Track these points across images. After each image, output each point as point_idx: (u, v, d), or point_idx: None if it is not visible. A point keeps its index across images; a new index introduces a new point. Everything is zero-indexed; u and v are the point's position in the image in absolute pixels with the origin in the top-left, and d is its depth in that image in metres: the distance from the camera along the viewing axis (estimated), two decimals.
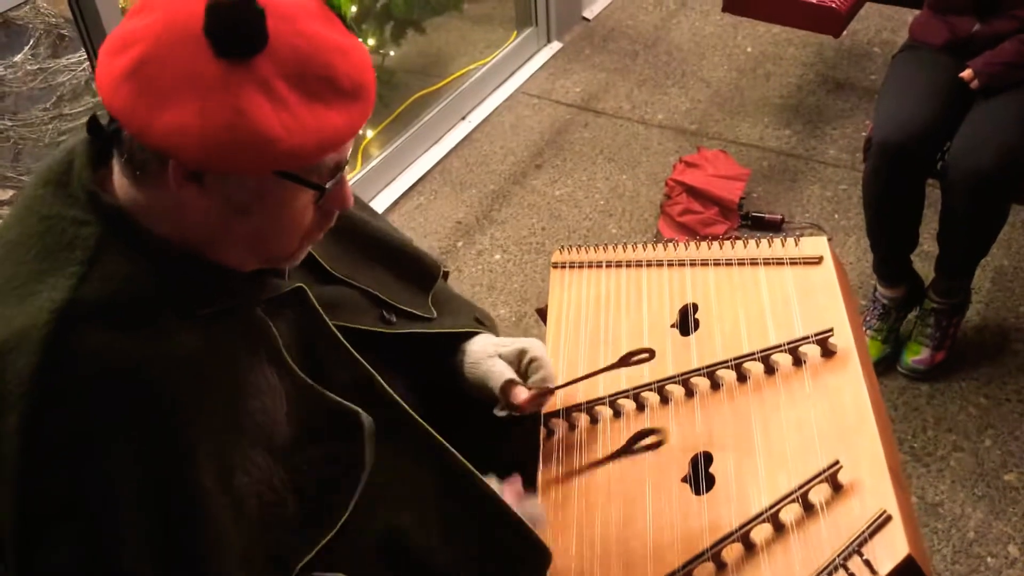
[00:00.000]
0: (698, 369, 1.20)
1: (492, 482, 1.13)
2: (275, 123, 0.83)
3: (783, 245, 1.30)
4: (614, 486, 1.17)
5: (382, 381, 1.07)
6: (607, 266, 1.48)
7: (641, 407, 1.24)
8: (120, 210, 0.92)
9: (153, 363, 0.88)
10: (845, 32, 3.53)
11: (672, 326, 1.31)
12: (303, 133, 0.84)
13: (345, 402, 1.02)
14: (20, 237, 0.94)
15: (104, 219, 0.91)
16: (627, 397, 1.25)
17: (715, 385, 1.19)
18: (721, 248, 1.36)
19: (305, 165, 0.88)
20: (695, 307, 1.32)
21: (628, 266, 1.46)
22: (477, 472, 1.09)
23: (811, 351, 1.14)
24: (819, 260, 1.25)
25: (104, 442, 0.87)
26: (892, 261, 2.28)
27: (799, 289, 1.23)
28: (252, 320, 0.98)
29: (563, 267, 1.54)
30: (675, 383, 1.21)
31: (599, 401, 1.27)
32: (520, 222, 2.86)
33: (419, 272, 1.27)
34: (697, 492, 1.11)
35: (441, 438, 1.08)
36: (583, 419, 1.28)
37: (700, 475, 1.12)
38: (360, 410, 1.03)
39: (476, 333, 1.27)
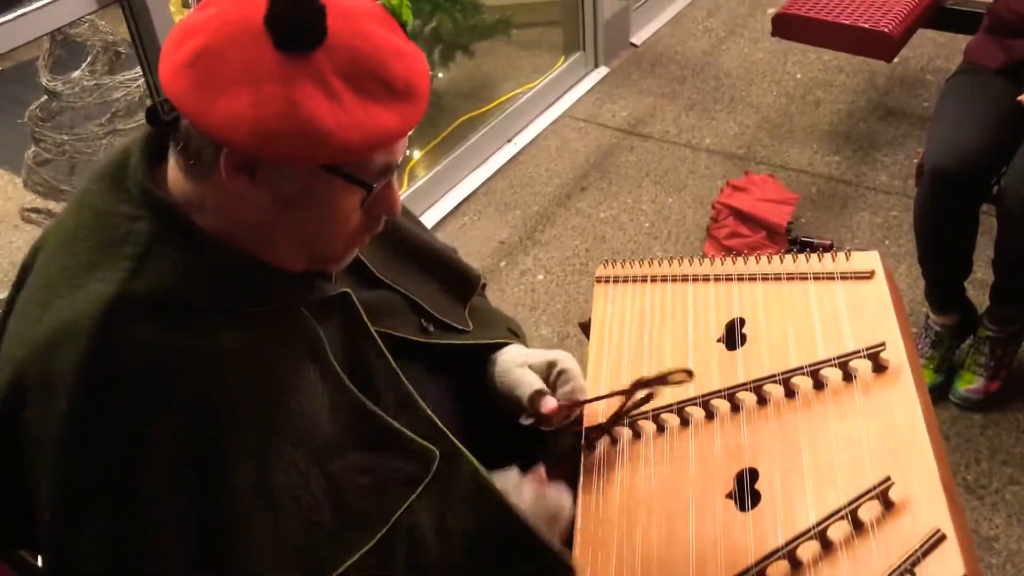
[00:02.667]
0: (744, 384, 1.17)
1: (513, 473, 1.11)
2: (328, 116, 0.84)
3: (833, 260, 1.27)
4: (656, 501, 1.15)
5: (417, 397, 1.06)
6: (652, 280, 1.46)
7: (685, 422, 1.21)
8: (173, 206, 0.93)
9: (197, 359, 0.89)
10: (897, 59, 3.49)
11: (718, 340, 1.29)
12: (354, 128, 0.85)
13: (411, 434, 1.02)
14: (75, 231, 0.96)
15: (157, 215, 0.92)
16: (671, 412, 1.22)
17: (762, 400, 1.16)
18: (769, 263, 1.34)
19: (354, 160, 0.89)
20: (742, 321, 1.29)
21: (673, 280, 1.43)
22: (505, 495, 1.06)
23: (862, 366, 1.11)
24: (871, 274, 1.22)
25: (144, 435, 0.87)
26: (944, 288, 2.23)
27: (850, 304, 1.20)
28: (298, 320, 0.98)
29: (607, 281, 1.52)
30: (720, 398, 1.18)
31: (642, 415, 1.24)
32: (564, 243, 2.85)
33: (459, 282, 1.27)
34: (742, 508, 1.07)
35: (471, 456, 1.06)
36: (625, 433, 1.25)
37: (745, 491, 1.09)
38: (432, 447, 1.02)
39: (507, 344, 1.26)
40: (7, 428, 0.92)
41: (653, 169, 3.13)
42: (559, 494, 1.14)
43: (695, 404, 1.20)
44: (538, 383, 1.20)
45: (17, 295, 1.01)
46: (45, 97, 2.48)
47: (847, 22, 2.72)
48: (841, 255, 1.27)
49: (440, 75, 3.09)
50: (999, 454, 2.11)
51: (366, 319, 1.05)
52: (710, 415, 1.19)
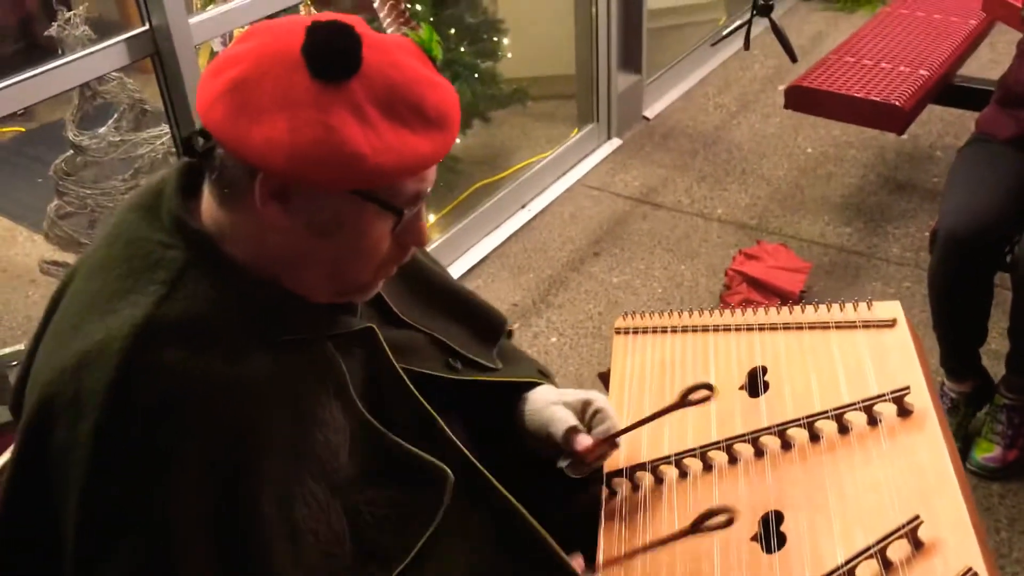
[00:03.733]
0: (768, 428, 1.17)
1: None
2: (362, 141, 0.86)
3: (855, 309, 1.28)
4: (680, 545, 1.13)
5: (443, 424, 1.06)
6: (672, 331, 1.47)
7: (708, 467, 1.20)
8: (205, 236, 0.94)
9: (225, 385, 0.89)
10: (907, 136, 3.55)
11: (740, 388, 1.29)
12: (388, 153, 0.87)
13: (426, 455, 1.02)
14: (106, 260, 0.97)
15: (189, 244, 0.94)
16: (693, 456, 1.21)
17: (786, 445, 1.16)
18: (791, 312, 1.35)
19: (386, 184, 0.90)
20: (764, 370, 1.29)
21: (694, 331, 1.44)
22: (534, 520, 1.06)
23: (886, 410, 1.11)
24: (892, 323, 1.23)
25: (170, 459, 0.87)
26: (960, 355, 2.22)
27: (872, 351, 1.20)
28: (322, 354, 0.99)
29: (626, 332, 1.53)
30: (744, 442, 1.18)
31: (664, 460, 1.23)
32: (577, 307, 2.86)
33: (486, 324, 1.27)
34: (768, 551, 1.06)
35: (498, 483, 1.06)
36: (647, 479, 1.24)
37: (771, 533, 1.07)
38: (444, 467, 1.02)
39: (538, 384, 1.26)
40: (33, 453, 0.92)
41: (666, 237, 3.16)
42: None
43: (718, 448, 1.20)
44: (573, 420, 1.20)
45: (46, 325, 1.02)
46: (71, 152, 2.53)
47: (859, 95, 2.78)
48: (863, 304, 1.28)
49: (457, 140, 3.14)
50: (1018, 523, 2.08)
51: (389, 353, 1.05)
52: (733, 460, 1.19)
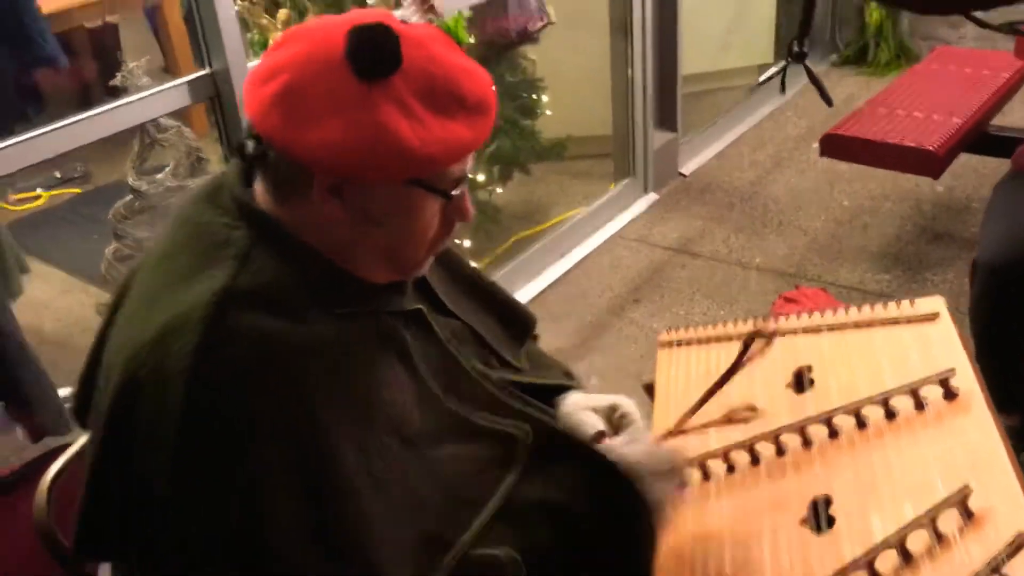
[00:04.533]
0: (814, 417, 1.19)
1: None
2: (410, 135, 0.91)
3: (898, 307, 1.30)
4: (729, 531, 1.14)
5: (498, 392, 1.11)
6: (716, 341, 1.50)
7: (756, 460, 1.22)
8: (267, 217, 1.00)
9: (299, 344, 0.94)
10: (942, 188, 3.59)
11: (786, 387, 1.31)
12: (434, 143, 0.93)
13: (498, 424, 1.08)
14: (173, 246, 1.03)
15: (253, 224, 0.99)
16: (741, 449, 1.23)
17: (833, 433, 1.17)
18: (834, 314, 1.37)
19: (435, 172, 0.96)
20: (809, 368, 1.31)
21: (738, 339, 1.46)
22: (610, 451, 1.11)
23: (932, 393, 1.12)
24: (935, 316, 1.25)
25: (255, 419, 0.91)
26: (1005, 386, 2.21)
27: (916, 343, 1.22)
28: (384, 323, 1.04)
29: (671, 345, 1.56)
30: (791, 432, 1.20)
31: (711, 455, 1.25)
32: (619, 351, 2.88)
33: (516, 320, 1.32)
34: (818, 531, 1.07)
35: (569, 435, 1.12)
36: (695, 474, 1.26)
37: (820, 515, 1.08)
38: (515, 430, 1.08)
39: (567, 388, 1.29)
40: (119, 431, 0.95)
41: (705, 284, 3.19)
42: (672, 449, 1.17)
43: (765, 440, 1.21)
44: (600, 425, 1.23)
45: (113, 317, 1.07)
46: (130, 196, 2.64)
47: (893, 141, 2.83)
48: (905, 302, 1.30)
49: (499, 190, 3.23)
50: None
51: (438, 330, 1.10)
52: (780, 451, 1.20)
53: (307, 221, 0.98)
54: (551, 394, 1.29)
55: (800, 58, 2.47)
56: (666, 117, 3.86)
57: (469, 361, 1.13)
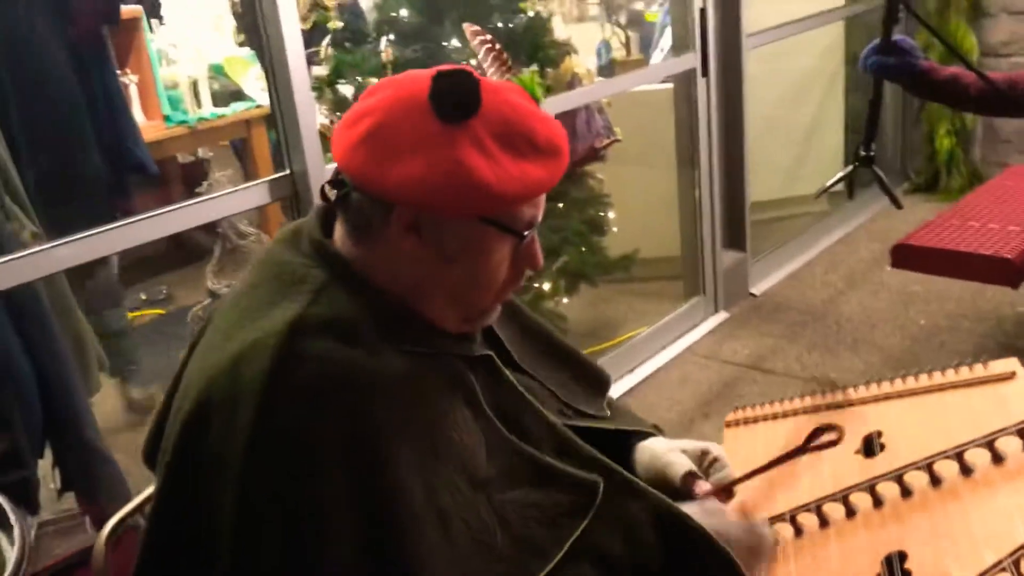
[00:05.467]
0: (885, 474, 1.14)
1: (713, 502, 1.13)
2: (487, 172, 0.96)
3: (970, 370, 1.26)
4: None
5: (573, 436, 1.09)
6: (783, 416, 1.46)
7: (824, 522, 1.16)
8: (343, 258, 1.03)
9: (369, 372, 0.96)
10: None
11: (856, 452, 1.26)
12: (509, 181, 0.97)
13: (571, 469, 1.06)
14: (257, 280, 1.07)
15: (329, 266, 1.03)
16: (808, 511, 1.18)
17: (905, 491, 1.12)
18: (904, 381, 1.33)
19: (508, 210, 0.99)
20: (879, 434, 1.26)
21: (805, 413, 1.43)
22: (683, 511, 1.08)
23: (1010, 445, 1.07)
24: (1011, 375, 1.20)
25: (324, 441, 0.92)
26: None
27: (991, 401, 1.18)
28: (451, 367, 1.05)
29: (737, 424, 1.53)
30: (861, 491, 1.15)
31: (778, 517, 1.20)
32: None
33: (593, 377, 1.30)
34: None
35: (648, 487, 1.09)
36: None
37: (895, 571, 1.02)
38: (591, 477, 1.06)
39: (652, 435, 1.27)
40: (189, 455, 0.97)
41: (778, 399, 3.11)
42: (764, 527, 1.12)
43: (834, 500, 1.16)
44: (691, 465, 1.20)
45: (190, 356, 1.10)
46: (209, 300, 2.73)
47: (968, 250, 2.78)
48: (978, 365, 1.26)
49: (565, 300, 3.25)
50: None
51: (510, 376, 1.10)
52: (851, 512, 1.15)
53: (382, 262, 1.02)
54: (635, 442, 1.27)
55: (867, 162, 2.50)
56: (735, 238, 3.88)
57: (542, 408, 1.12)
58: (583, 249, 3.30)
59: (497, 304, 1.09)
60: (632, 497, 1.08)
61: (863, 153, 2.59)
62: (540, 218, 1.05)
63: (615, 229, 3.49)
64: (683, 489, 1.17)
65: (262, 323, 0.98)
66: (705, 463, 1.22)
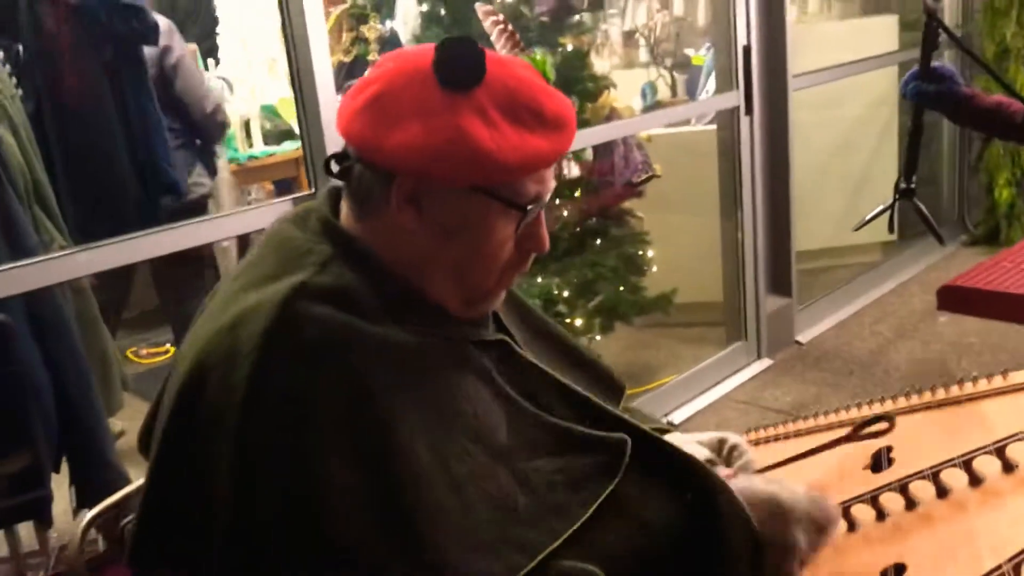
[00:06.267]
0: (888, 484, 1.05)
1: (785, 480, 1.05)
2: (487, 139, 0.93)
3: (988, 381, 1.18)
4: None
5: (599, 401, 1.05)
6: (796, 436, 1.38)
7: None
8: (348, 234, 1.01)
9: (370, 337, 0.93)
10: None
11: (864, 468, 1.18)
12: (510, 150, 0.94)
13: (594, 431, 1.02)
14: (261, 255, 1.04)
15: (335, 242, 1.00)
16: None
17: (910, 504, 1.03)
18: (920, 396, 1.25)
19: (509, 180, 0.96)
20: (889, 448, 1.18)
21: (819, 431, 1.35)
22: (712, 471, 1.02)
23: (1022, 452, 0.98)
24: None
25: (321, 400, 0.89)
26: None
27: (1006, 409, 1.09)
28: (461, 350, 1.01)
29: (755, 444, 1.45)
30: (863, 502, 1.06)
31: None
32: None
33: (607, 381, 1.25)
34: None
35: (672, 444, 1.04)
36: None
37: None
38: (620, 436, 1.01)
39: (666, 432, 1.21)
40: (186, 415, 0.94)
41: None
42: (831, 503, 1.03)
43: None
44: (708, 454, 1.15)
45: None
46: None
47: (1020, 292, 2.66)
48: (997, 376, 1.18)
49: (598, 338, 3.18)
50: None
51: (528, 356, 1.07)
52: (852, 526, 1.06)
53: (383, 238, 0.99)
54: None
55: (907, 195, 2.41)
56: (780, 283, 3.78)
57: (564, 380, 1.07)
58: (620, 288, 3.24)
59: (501, 289, 1.05)
60: (662, 456, 1.02)
61: (903, 186, 2.51)
62: (546, 197, 1.01)
63: (654, 269, 3.43)
64: None
65: (265, 290, 0.95)
66: (724, 452, 1.16)
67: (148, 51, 2.74)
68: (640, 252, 3.35)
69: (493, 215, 0.98)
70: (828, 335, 3.91)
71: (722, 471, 1.10)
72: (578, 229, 3.14)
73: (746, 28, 3.32)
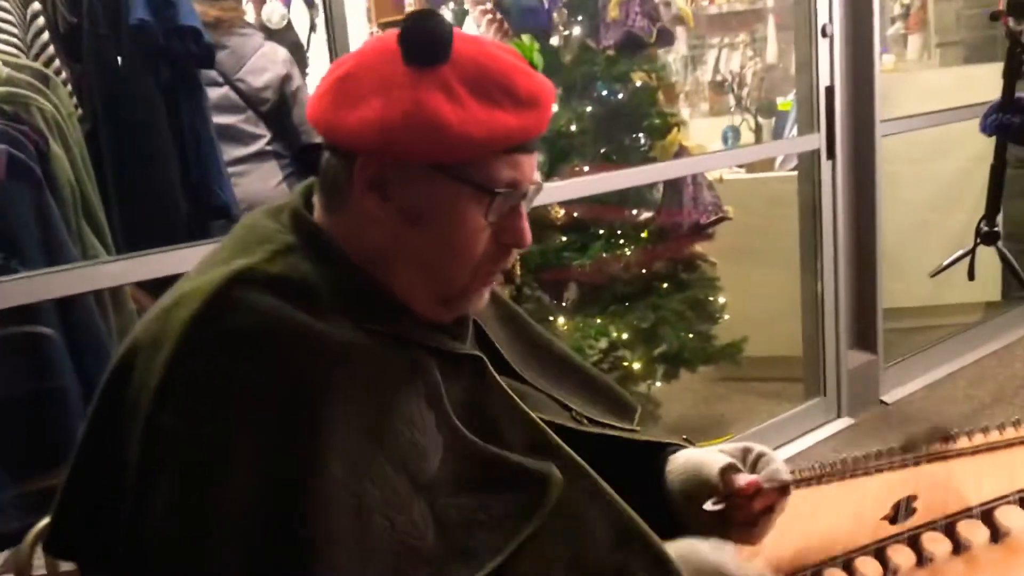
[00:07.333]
0: (897, 535, 0.91)
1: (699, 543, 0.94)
2: (448, 112, 0.87)
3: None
4: None
5: (554, 436, 0.96)
6: (816, 483, 1.23)
7: None
8: (316, 228, 0.95)
9: (307, 334, 0.86)
10: None
11: (882, 519, 1.03)
12: (474, 124, 0.87)
13: (528, 461, 0.93)
14: (223, 243, 0.99)
15: (301, 233, 0.95)
16: None
17: (921, 560, 0.89)
18: (956, 441, 1.10)
19: (474, 157, 0.89)
20: (912, 498, 1.03)
21: (841, 478, 1.20)
22: (643, 523, 0.92)
23: None
24: None
25: (240, 394, 0.83)
26: None
27: None
28: (416, 359, 0.93)
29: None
30: (866, 555, 0.92)
31: None
32: None
33: (615, 399, 1.15)
34: None
35: (609, 487, 0.94)
36: None
37: None
38: (550, 468, 0.92)
39: (681, 447, 1.10)
40: (112, 398, 0.90)
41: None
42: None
43: (833, 566, 0.94)
44: (730, 460, 1.02)
45: None
46: None
47: None
48: None
49: (658, 384, 3.03)
50: None
51: (499, 379, 0.98)
52: None
53: (350, 229, 0.94)
54: (667, 455, 1.09)
55: (990, 239, 2.22)
56: (865, 338, 3.57)
57: (528, 410, 0.98)
58: (690, 335, 3.09)
59: (479, 287, 0.97)
60: (594, 504, 0.92)
61: (985, 229, 2.31)
62: (525, 187, 0.94)
63: (726, 317, 3.27)
64: (723, 485, 0.98)
65: (210, 273, 0.90)
66: (749, 461, 1.03)
67: (269, 77, 2.83)
68: (711, 298, 3.20)
69: (463, 201, 0.91)
70: (917, 396, 3.66)
71: (747, 477, 0.98)
72: (643, 271, 3.02)
73: (829, 68, 3.17)
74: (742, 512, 0.97)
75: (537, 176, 0.97)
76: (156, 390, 0.84)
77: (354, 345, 0.88)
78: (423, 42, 0.89)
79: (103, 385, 0.92)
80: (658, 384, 2.99)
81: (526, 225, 0.95)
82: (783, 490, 0.97)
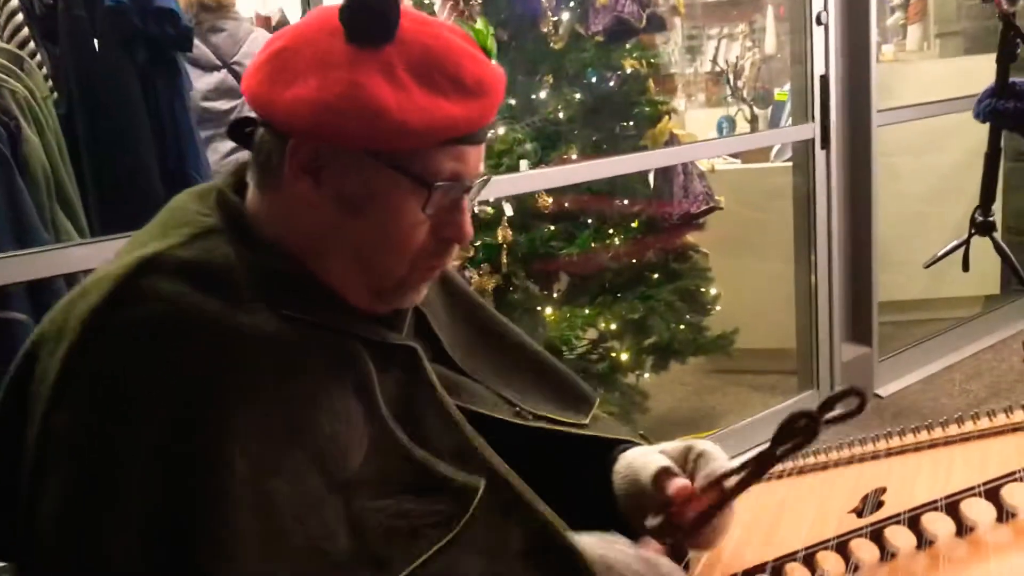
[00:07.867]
0: (858, 529, 0.87)
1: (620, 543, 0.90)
2: (388, 97, 0.82)
3: (1008, 415, 0.98)
4: None
5: (482, 443, 0.91)
6: (788, 475, 1.20)
7: None
8: (240, 210, 0.91)
9: (216, 324, 0.82)
10: None
11: (850, 512, 0.99)
12: (414, 111, 0.83)
13: (452, 471, 0.89)
14: (148, 226, 0.94)
15: (223, 215, 0.90)
16: (762, 574, 0.92)
17: (885, 554, 0.85)
18: (929, 433, 1.06)
19: (413, 147, 0.84)
20: (882, 490, 0.99)
21: (813, 471, 1.16)
22: (570, 537, 0.89)
23: (1019, 494, 0.79)
24: None
25: (137, 390, 0.79)
26: None
27: (1010, 448, 0.89)
28: (346, 349, 0.88)
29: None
30: (827, 549, 0.88)
31: None
32: None
33: (570, 390, 1.10)
34: None
35: (536, 499, 0.91)
36: None
37: None
38: (473, 480, 0.88)
39: (634, 444, 1.05)
40: (14, 395, 0.86)
41: None
42: (665, 562, 0.90)
43: (793, 560, 0.90)
44: (666, 461, 0.98)
45: None
46: None
47: None
48: (1019, 411, 0.98)
49: (647, 375, 2.99)
50: None
51: (431, 373, 0.93)
52: None
53: (281, 211, 0.89)
54: (617, 453, 1.05)
55: (985, 229, 2.18)
56: (859, 331, 3.52)
57: (452, 411, 0.93)
58: (680, 327, 3.05)
59: (417, 281, 0.92)
60: (512, 514, 0.88)
61: (980, 219, 2.27)
62: (468, 179, 0.89)
63: (718, 308, 3.22)
64: (656, 491, 0.95)
65: (120, 260, 0.86)
66: (690, 461, 0.98)
67: None
68: (702, 289, 3.15)
69: (400, 192, 0.86)
70: (912, 389, 3.61)
71: (679, 482, 0.94)
72: (633, 261, 2.97)
73: (824, 57, 3.12)
74: (680, 518, 0.92)
75: (483, 168, 0.92)
76: (52, 385, 0.80)
77: (269, 335, 0.83)
78: (367, 19, 0.83)
79: (8, 377, 0.88)
80: (647, 376, 2.95)
81: (467, 220, 0.91)
82: (722, 493, 0.91)
